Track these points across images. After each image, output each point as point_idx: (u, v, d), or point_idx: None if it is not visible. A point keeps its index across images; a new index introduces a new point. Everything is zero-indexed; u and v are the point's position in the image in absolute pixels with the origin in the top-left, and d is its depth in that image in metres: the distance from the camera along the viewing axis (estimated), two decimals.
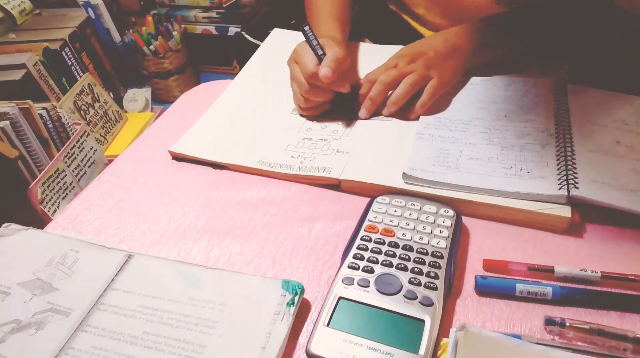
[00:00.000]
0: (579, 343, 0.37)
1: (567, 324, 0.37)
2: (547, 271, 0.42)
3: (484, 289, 0.41)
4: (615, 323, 0.38)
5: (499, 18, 0.63)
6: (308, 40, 0.59)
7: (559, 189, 0.46)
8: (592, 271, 0.41)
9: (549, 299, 0.40)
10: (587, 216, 0.47)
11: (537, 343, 0.36)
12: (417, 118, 0.59)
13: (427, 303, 0.38)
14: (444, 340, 0.37)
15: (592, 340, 0.37)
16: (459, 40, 0.61)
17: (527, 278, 0.42)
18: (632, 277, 0.41)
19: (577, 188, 0.45)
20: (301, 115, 0.62)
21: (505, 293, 0.41)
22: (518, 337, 0.36)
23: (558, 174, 0.47)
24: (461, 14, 0.70)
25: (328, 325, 0.37)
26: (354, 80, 0.64)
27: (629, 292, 0.41)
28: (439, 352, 0.36)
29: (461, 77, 0.62)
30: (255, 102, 0.66)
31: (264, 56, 0.75)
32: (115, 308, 0.40)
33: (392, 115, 0.59)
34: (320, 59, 0.57)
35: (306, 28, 0.58)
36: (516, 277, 0.42)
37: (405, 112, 0.59)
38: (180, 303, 0.40)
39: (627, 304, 0.40)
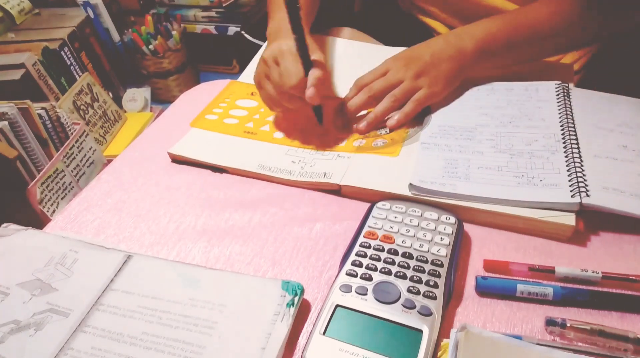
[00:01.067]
0: (580, 344, 0.37)
1: (568, 325, 0.37)
2: (547, 272, 0.42)
3: (484, 290, 0.41)
4: (616, 324, 0.38)
5: (507, 24, 0.59)
6: (299, 45, 0.52)
7: (572, 196, 0.45)
8: (593, 272, 0.41)
9: (550, 300, 0.40)
10: (588, 216, 0.46)
11: (538, 344, 0.36)
12: (416, 128, 0.57)
13: (426, 313, 0.37)
14: (445, 340, 0.37)
15: (592, 341, 0.37)
16: (460, 42, 0.57)
17: (527, 279, 0.42)
18: (633, 278, 0.41)
19: (588, 196, 0.44)
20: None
21: (506, 293, 0.41)
22: (519, 337, 0.36)
23: (570, 181, 0.46)
24: (475, 11, 0.67)
25: (324, 333, 0.37)
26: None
27: (629, 293, 0.41)
28: (439, 353, 0.36)
29: (458, 84, 0.59)
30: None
31: None
32: (114, 308, 0.40)
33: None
34: (305, 67, 0.52)
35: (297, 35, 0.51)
36: (517, 278, 0.42)
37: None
38: (179, 303, 0.40)
39: (628, 305, 0.40)
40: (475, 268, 0.44)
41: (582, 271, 0.41)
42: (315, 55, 0.54)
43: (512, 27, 0.58)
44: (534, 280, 0.42)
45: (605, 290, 0.41)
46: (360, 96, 0.57)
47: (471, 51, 0.57)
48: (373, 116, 0.56)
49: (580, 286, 0.41)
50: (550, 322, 0.38)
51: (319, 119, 0.58)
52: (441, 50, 0.57)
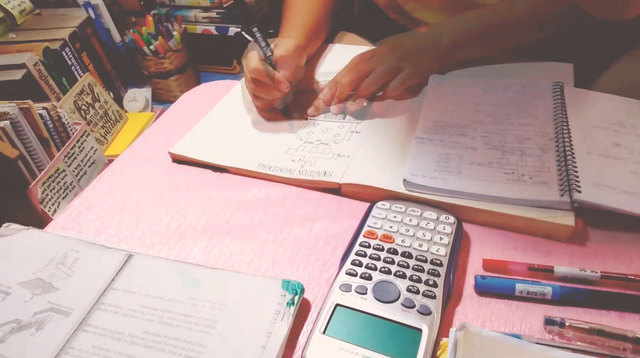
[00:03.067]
0: (579, 343, 0.37)
1: (567, 324, 0.37)
2: (546, 271, 0.42)
3: (483, 289, 0.41)
4: (614, 323, 0.38)
5: (483, 13, 0.64)
6: (257, 41, 0.61)
7: (562, 195, 0.45)
8: (592, 271, 0.41)
9: (549, 299, 0.40)
10: (587, 216, 0.47)
11: (537, 343, 0.36)
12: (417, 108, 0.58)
13: (425, 312, 0.37)
14: (444, 339, 0.37)
15: (591, 340, 0.37)
16: (438, 35, 0.64)
17: (526, 278, 0.42)
18: (632, 277, 0.41)
19: (579, 191, 0.45)
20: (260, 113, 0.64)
21: (505, 293, 0.41)
22: (518, 336, 0.36)
23: (560, 180, 0.47)
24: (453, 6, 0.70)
25: (324, 332, 0.37)
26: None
27: (628, 292, 0.41)
28: (438, 352, 0.36)
29: (438, 69, 0.65)
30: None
31: None
32: (115, 307, 0.40)
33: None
34: (267, 57, 0.60)
35: (254, 29, 0.61)
36: (516, 277, 0.42)
37: (399, 113, 0.60)
38: (180, 302, 0.40)
39: (627, 304, 0.40)
40: (474, 268, 0.44)
41: (581, 270, 0.41)
42: (277, 48, 0.61)
43: (487, 21, 0.64)
44: (533, 279, 0.42)
45: (604, 289, 0.41)
46: (348, 75, 0.63)
47: (447, 45, 0.64)
48: (360, 90, 0.63)
49: (579, 286, 0.41)
50: (549, 321, 0.38)
51: (286, 115, 0.63)
52: (422, 42, 0.64)
